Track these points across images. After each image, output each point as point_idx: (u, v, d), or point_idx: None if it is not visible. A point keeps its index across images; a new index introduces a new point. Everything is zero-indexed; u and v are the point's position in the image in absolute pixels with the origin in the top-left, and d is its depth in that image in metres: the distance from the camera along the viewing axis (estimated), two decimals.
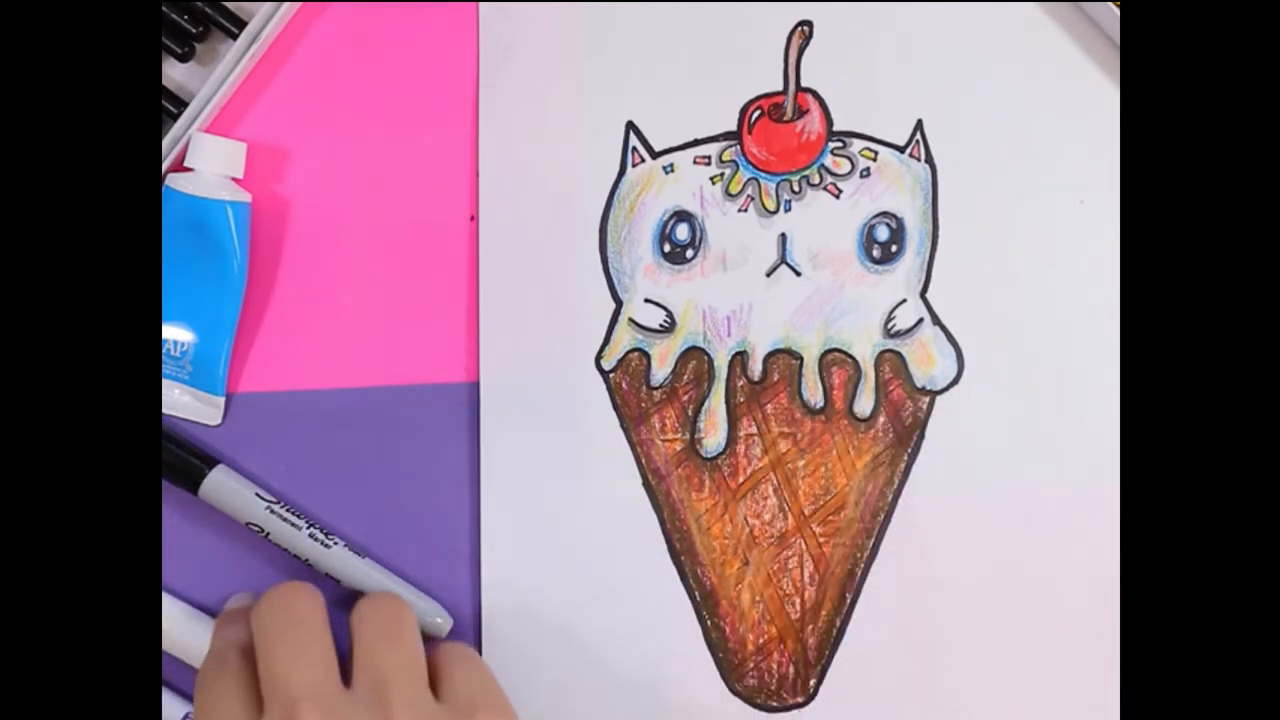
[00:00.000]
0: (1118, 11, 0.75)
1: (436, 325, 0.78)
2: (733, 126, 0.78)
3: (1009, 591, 0.76)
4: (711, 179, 0.78)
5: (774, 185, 0.78)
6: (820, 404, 0.77)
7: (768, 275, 0.77)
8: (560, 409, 0.77)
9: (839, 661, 0.76)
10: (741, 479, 0.77)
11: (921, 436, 0.76)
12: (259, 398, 0.78)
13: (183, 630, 0.75)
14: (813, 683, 0.76)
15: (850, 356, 0.77)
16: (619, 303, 0.78)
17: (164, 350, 0.77)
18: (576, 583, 0.77)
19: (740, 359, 0.77)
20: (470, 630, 0.77)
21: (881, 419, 0.77)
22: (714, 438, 0.77)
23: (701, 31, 0.78)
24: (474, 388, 0.77)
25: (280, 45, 0.79)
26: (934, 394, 0.77)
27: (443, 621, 0.75)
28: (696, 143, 0.78)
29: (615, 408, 0.77)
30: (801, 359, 0.77)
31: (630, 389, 0.77)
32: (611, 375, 0.77)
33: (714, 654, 0.76)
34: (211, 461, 0.76)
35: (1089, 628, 0.75)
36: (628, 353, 0.77)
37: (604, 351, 0.77)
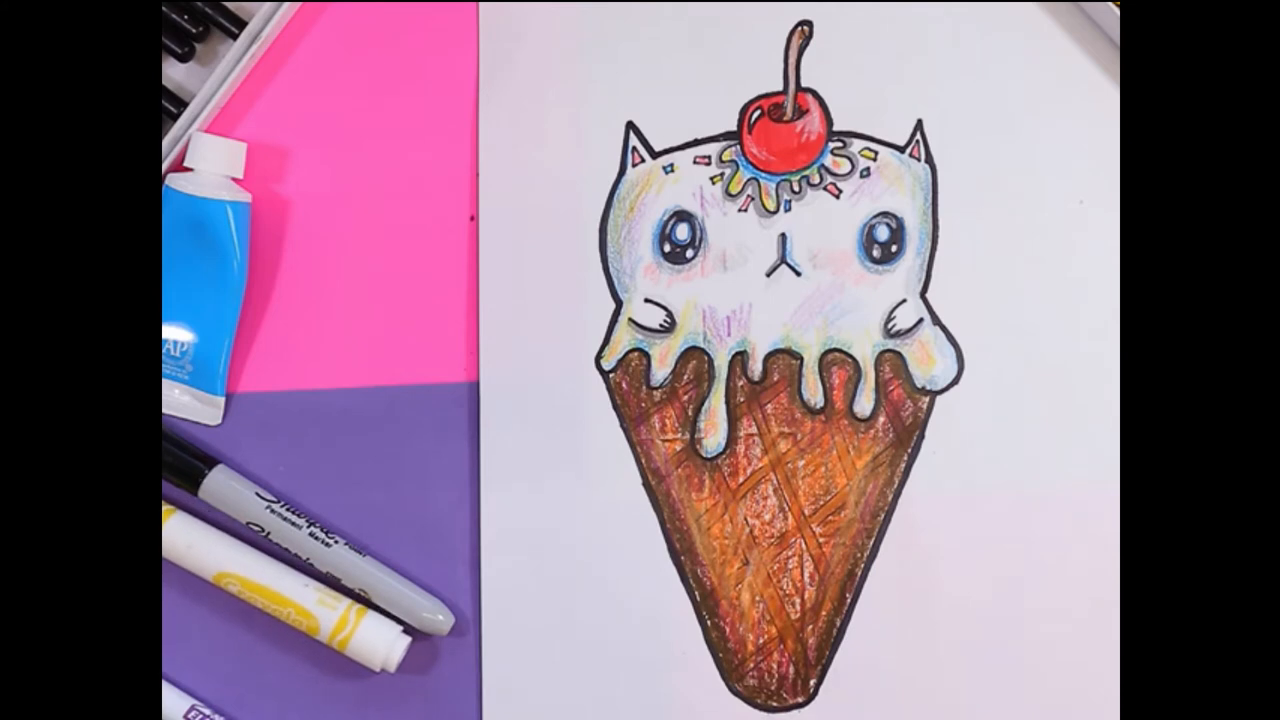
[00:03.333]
0: (1118, 11, 0.75)
1: (436, 325, 0.78)
2: (733, 126, 0.78)
3: (1008, 591, 0.76)
4: (711, 179, 0.78)
5: (774, 185, 0.78)
6: (820, 404, 0.77)
7: (768, 275, 0.77)
8: (560, 409, 0.77)
9: (839, 661, 0.76)
10: (741, 479, 0.77)
11: (921, 436, 0.76)
12: (259, 398, 0.78)
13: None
14: (813, 683, 0.76)
15: (850, 356, 0.77)
16: (619, 303, 0.78)
17: (164, 350, 0.77)
18: (576, 583, 0.77)
19: (740, 359, 0.77)
20: (470, 630, 0.77)
21: (881, 419, 0.77)
22: (714, 438, 0.77)
23: (701, 31, 0.78)
24: (474, 388, 0.77)
25: (280, 45, 0.79)
26: (934, 394, 0.77)
27: (444, 619, 0.75)
28: (696, 143, 0.78)
29: (615, 408, 0.77)
30: (801, 359, 0.77)
31: (630, 389, 0.77)
32: (611, 375, 0.77)
33: (714, 654, 0.76)
34: (211, 461, 0.76)
35: (1088, 627, 0.75)
36: (628, 353, 0.77)
37: (604, 351, 0.77)
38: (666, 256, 0.78)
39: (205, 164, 0.76)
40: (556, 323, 0.77)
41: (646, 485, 0.77)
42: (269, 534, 0.75)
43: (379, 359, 0.78)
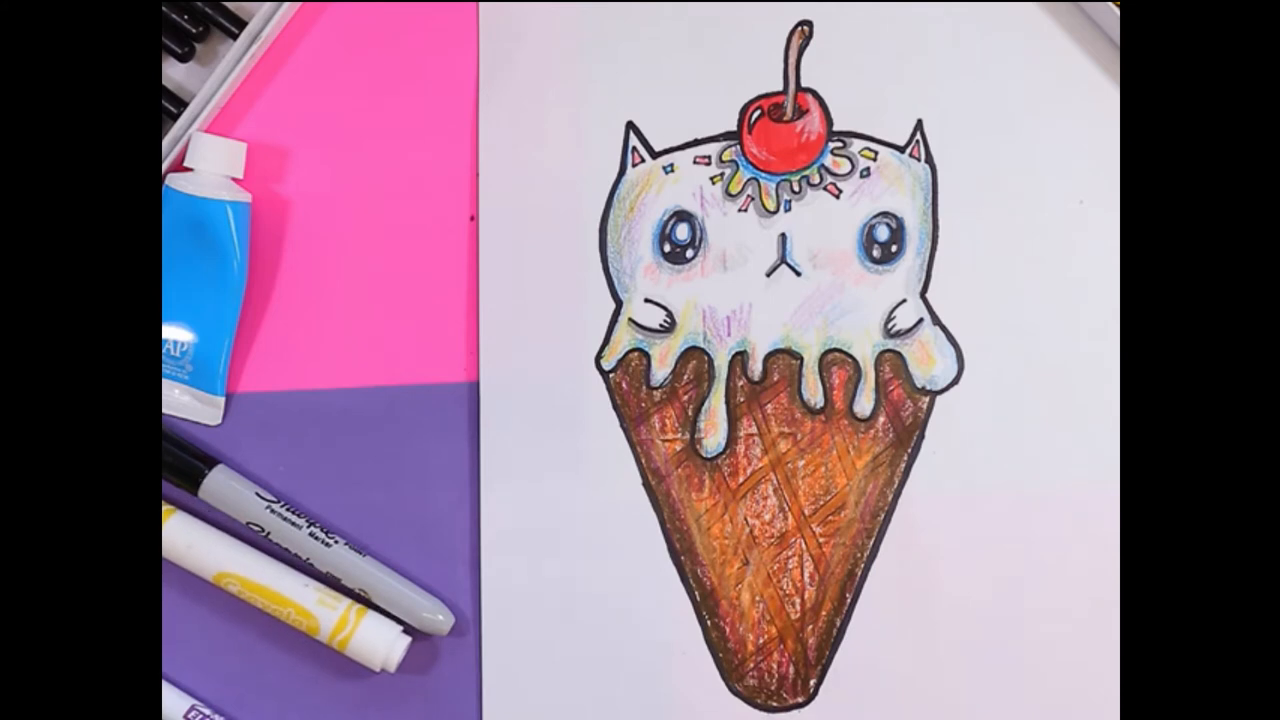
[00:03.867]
0: (1118, 11, 0.75)
1: (436, 325, 0.78)
2: (733, 126, 0.78)
3: (1008, 591, 0.76)
4: (711, 179, 0.78)
5: (774, 185, 0.78)
6: (820, 404, 0.77)
7: (768, 275, 0.77)
8: (560, 409, 0.77)
9: (839, 661, 0.76)
10: (741, 479, 0.77)
11: (921, 436, 0.76)
12: (259, 398, 0.78)
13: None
14: (813, 683, 0.76)
15: (850, 356, 0.77)
16: (619, 303, 0.78)
17: (164, 350, 0.77)
18: (576, 583, 0.77)
19: (740, 359, 0.77)
20: (470, 630, 0.77)
21: (881, 419, 0.77)
22: (714, 438, 0.77)
23: (701, 31, 0.78)
24: (474, 388, 0.77)
25: (280, 45, 0.79)
26: (934, 394, 0.77)
27: (444, 619, 0.75)
28: (696, 143, 0.78)
29: (615, 408, 0.77)
30: (801, 359, 0.77)
31: (630, 389, 0.77)
32: (611, 375, 0.77)
33: (714, 654, 0.76)
34: (211, 461, 0.76)
35: (1088, 627, 0.75)
36: (628, 353, 0.77)
37: (604, 351, 0.77)
38: (666, 256, 0.78)
39: (205, 164, 0.76)
40: (556, 323, 0.77)
41: (646, 485, 0.77)
42: (269, 534, 0.76)
43: (379, 359, 0.78)
